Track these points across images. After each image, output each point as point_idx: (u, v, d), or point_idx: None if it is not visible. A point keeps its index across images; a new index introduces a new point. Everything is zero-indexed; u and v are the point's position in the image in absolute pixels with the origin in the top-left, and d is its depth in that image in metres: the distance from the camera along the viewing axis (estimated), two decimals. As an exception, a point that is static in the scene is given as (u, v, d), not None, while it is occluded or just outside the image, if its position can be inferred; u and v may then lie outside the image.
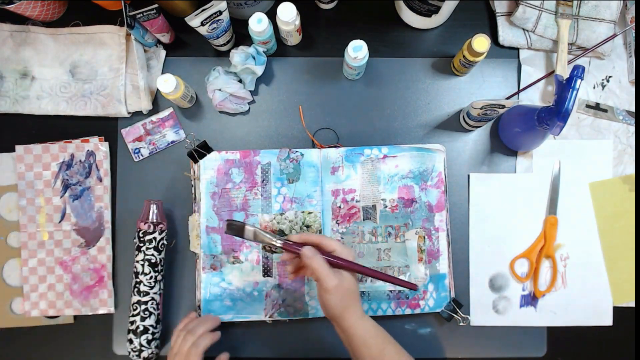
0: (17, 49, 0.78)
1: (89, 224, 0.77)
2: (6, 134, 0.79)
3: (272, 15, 0.75)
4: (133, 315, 0.70)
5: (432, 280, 0.75)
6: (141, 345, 0.69)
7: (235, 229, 0.61)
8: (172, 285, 0.77)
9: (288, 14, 0.71)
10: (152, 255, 0.70)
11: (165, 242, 0.72)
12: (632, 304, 0.77)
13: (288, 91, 0.80)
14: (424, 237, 0.75)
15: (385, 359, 0.60)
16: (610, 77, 0.80)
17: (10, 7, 0.73)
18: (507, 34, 0.79)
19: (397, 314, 0.74)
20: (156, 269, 0.71)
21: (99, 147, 0.78)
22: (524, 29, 0.79)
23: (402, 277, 0.74)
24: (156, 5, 0.70)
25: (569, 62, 0.78)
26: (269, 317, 0.74)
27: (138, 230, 0.71)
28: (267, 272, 0.75)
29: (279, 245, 0.61)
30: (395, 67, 0.80)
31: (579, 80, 0.61)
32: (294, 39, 0.78)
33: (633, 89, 0.79)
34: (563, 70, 0.76)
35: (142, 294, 0.70)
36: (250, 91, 0.78)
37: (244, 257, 0.75)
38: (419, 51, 0.80)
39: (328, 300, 0.59)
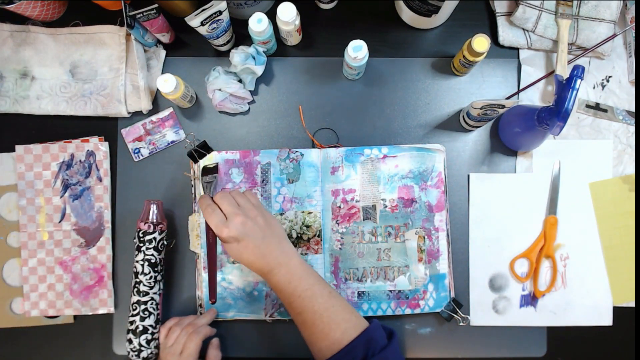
0: (17, 49, 0.78)
1: (89, 224, 0.77)
2: (6, 134, 0.79)
3: (272, 15, 0.75)
4: (132, 315, 0.70)
5: (432, 280, 0.75)
6: (140, 345, 0.69)
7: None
8: (172, 285, 0.77)
9: (288, 14, 0.71)
10: (152, 255, 0.70)
11: (165, 242, 0.72)
12: (632, 304, 0.77)
13: (288, 91, 0.80)
14: (424, 237, 0.75)
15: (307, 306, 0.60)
16: (610, 77, 0.80)
17: (10, 7, 0.73)
18: (507, 34, 0.79)
19: (397, 314, 0.74)
20: (156, 269, 0.71)
21: (99, 147, 0.78)
22: (524, 29, 0.79)
23: (402, 277, 0.74)
24: (156, 5, 0.70)
25: (569, 62, 0.78)
26: (269, 316, 0.74)
27: (138, 230, 0.71)
28: (267, 272, 0.75)
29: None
30: (395, 67, 0.80)
31: (578, 80, 0.61)
32: (294, 39, 0.78)
33: (633, 89, 0.79)
34: (563, 70, 0.76)
35: (141, 294, 0.70)
36: (250, 91, 0.78)
37: (244, 257, 0.75)
38: (419, 51, 0.80)
39: (232, 254, 0.61)
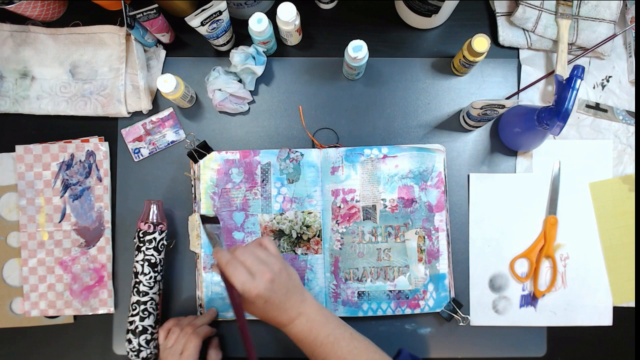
0: (17, 49, 0.78)
1: (89, 224, 0.77)
2: (6, 134, 0.79)
3: (272, 15, 0.75)
4: (132, 315, 0.70)
5: (432, 280, 0.75)
6: (140, 345, 0.69)
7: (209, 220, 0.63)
8: (172, 285, 0.77)
9: (288, 14, 0.71)
10: (152, 255, 0.70)
11: (165, 243, 0.72)
12: (632, 304, 0.77)
13: (288, 91, 0.80)
14: (424, 237, 0.75)
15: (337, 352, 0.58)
16: (610, 77, 0.80)
17: (10, 7, 0.73)
18: (507, 34, 0.79)
19: (397, 314, 0.74)
20: (156, 269, 0.71)
21: (99, 147, 0.78)
22: (524, 29, 0.79)
23: (402, 277, 0.74)
24: (156, 5, 0.70)
25: (569, 62, 0.78)
26: (269, 317, 0.74)
27: (138, 230, 0.71)
28: (267, 272, 0.75)
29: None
30: (395, 67, 0.80)
31: (578, 80, 0.61)
32: (294, 39, 0.78)
33: (633, 89, 0.79)
34: (563, 70, 0.76)
35: (141, 294, 0.70)
36: (250, 91, 0.78)
37: (244, 257, 0.75)
38: (419, 51, 0.80)
39: (253, 312, 0.59)
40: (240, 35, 0.80)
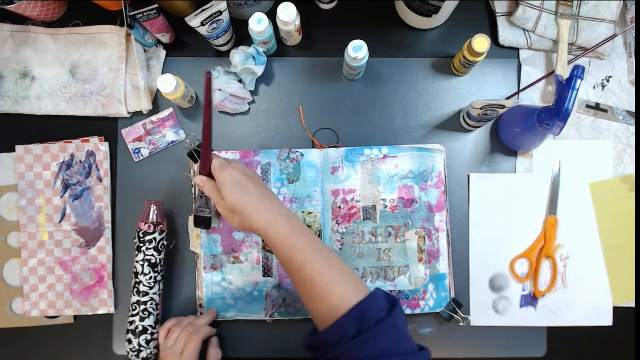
0: (17, 49, 0.78)
1: (89, 224, 0.77)
2: (6, 134, 0.79)
3: (272, 15, 0.75)
4: (132, 315, 0.70)
5: (432, 280, 0.75)
6: (140, 345, 0.69)
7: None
8: (172, 285, 0.77)
9: (288, 14, 0.71)
10: (152, 255, 0.70)
11: (165, 243, 0.72)
12: (632, 304, 0.77)
13: (288, 91, 0.80)
14: (424, 237, 0.75)
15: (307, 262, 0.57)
16: (610, 77, 0.80)
17: (10, 7, 0.73)
18: (507, 34, 0.79)
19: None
20: (156, 269, 0.71)
21: (99, 147, 0.78)
22: (524, 29, 0.79)
23: (402, 277, 0.74)
24: (156, 5, 0.70)
25: (569, 62, 0.78)
26: (269, 316, 0.74)
27: (138, 230, 0.71)
28: (267, 272, 0.75)
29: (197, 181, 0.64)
30: (395, 67, 0.80)
31: (578, 80, 0.61)
32: (294, 39, 0.78)
33: (633, 89, 0.79)
34: (563, 70, 0.76)
35: (141, 294, 0.70)
36: (250, 91, 0.78)
37: (244, 257, 0.75)
38: (419, 51, 0.80)
39: (232, 222, 0.61)
40: (240, 35, 0.80)
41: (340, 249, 0.75)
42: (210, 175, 0.63)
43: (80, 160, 0.77)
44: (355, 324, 0.52)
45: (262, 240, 0.76)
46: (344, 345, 0.51)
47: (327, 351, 0.52)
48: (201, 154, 0.63)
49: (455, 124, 0.79)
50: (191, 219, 0.76)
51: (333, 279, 0.55)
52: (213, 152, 0.68)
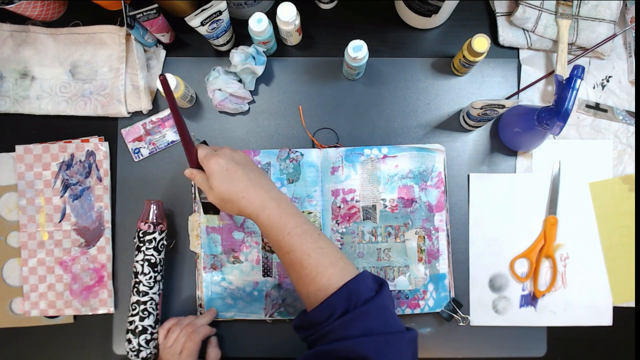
0: (17, 49, 0.78)
1: (89, 223, 0.77)
2: (6, 134, 0.79)
3: (272, 15, 0.75)
4: (132, 315, 0.70)
5: (432, 280, 0.75)
6: (140, 345, 0.69)
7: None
8: (172, 285, 0.77)
9: (288, 14, 0.71)
10: (152, 255, 0.70)
11: (165, 243, 0.72)
12: (632, 304, 0.77)
13: (288, 91, 0.80)
14: (424, 237, 0.75)
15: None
16: (610, 77, 0.80)
17: (10, 7, 0.73)
18: (507, 34, 0.79)
19: (397, 314, 0.74)
20: (156, 269, 0.71)
21: (99, 147, 0.78)
22: (524, 29, 0.79)
23: (402, 277, 0.74)
24: (156, 5, 0.70)
25: (569, 62, 0.78)
26: (269, 316, 0.75)
27: (138, 230, 0.71)
28: (267, 272, 0.75)
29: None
30: (395, 67, 0.80)
31: (578, 80, 0.61)
32: (294, 39, 0.78)
33: (633, 89, 0.79)
34: (563, 70, 0.76)
35: (141, 294, 0.70)
36: (250, 91, 0.78)
37: (244, 257, 0.75)
38: (419, 51, 0.80)
39: (224, 209, 0.61)
40: (240, 35, 0.80)
41: (340, 248, 0.75)
42: (200, 167, 0.62)
43: (80, 160, 0.77)
44: (343, 304, 0.52)
45: (262, 240, 0.76)
46: (332, 324, 0.51)
47: (315, 330, 0.53)
48: (184, 148, 0.62)
49: (455, 124, 0.79)
50: (191, 218, 0.76)
51: (322, 261, 0.56)
52: (200, 143, 0.69)
